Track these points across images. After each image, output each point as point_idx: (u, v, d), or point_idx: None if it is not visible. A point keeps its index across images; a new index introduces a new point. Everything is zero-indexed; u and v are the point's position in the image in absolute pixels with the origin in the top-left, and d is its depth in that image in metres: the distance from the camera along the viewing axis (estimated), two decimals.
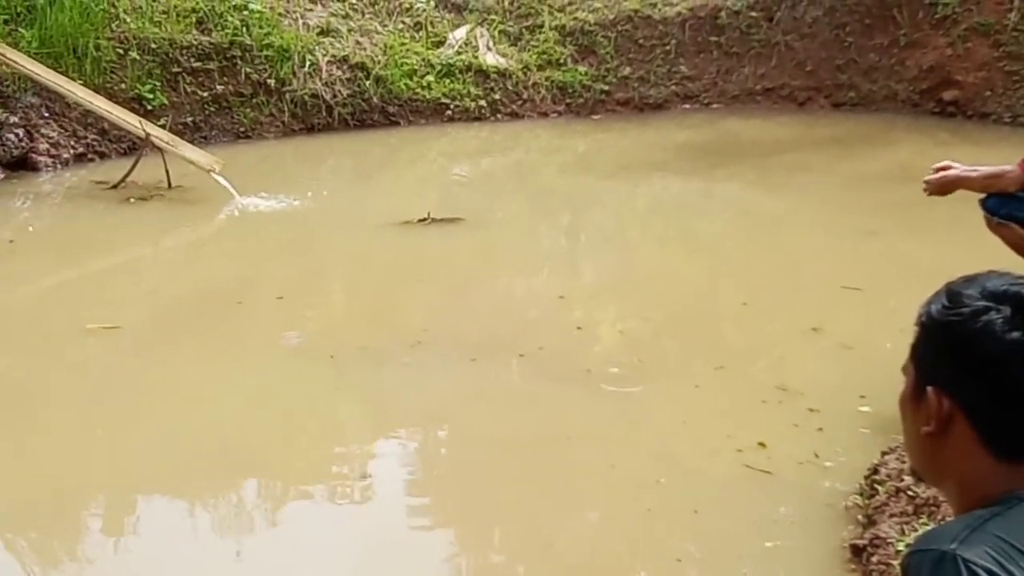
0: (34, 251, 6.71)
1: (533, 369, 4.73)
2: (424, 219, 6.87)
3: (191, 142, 8.35)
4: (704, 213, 7.76)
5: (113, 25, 9.13)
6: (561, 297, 5.82)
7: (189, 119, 9.15)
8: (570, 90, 10.45)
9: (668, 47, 10.71)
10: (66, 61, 8.64)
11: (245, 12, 9.64)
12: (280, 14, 9.91)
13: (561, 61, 10.58)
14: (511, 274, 6.37)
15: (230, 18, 9.57)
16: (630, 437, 4.19)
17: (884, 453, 3.62)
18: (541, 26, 10.75)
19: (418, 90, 9.99)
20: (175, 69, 9.24)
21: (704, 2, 10.84)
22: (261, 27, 9.63)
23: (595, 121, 10.27)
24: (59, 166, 8.31)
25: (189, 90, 9.25)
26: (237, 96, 9.41)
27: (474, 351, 4.86)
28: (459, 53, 10.35)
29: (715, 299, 5.83)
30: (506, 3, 10.93)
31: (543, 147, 9.83)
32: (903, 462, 3.36)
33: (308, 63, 9.62)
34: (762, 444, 3.94)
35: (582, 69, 10.55)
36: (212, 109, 9.31)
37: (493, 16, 10.79)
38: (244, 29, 9.56)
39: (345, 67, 9.83)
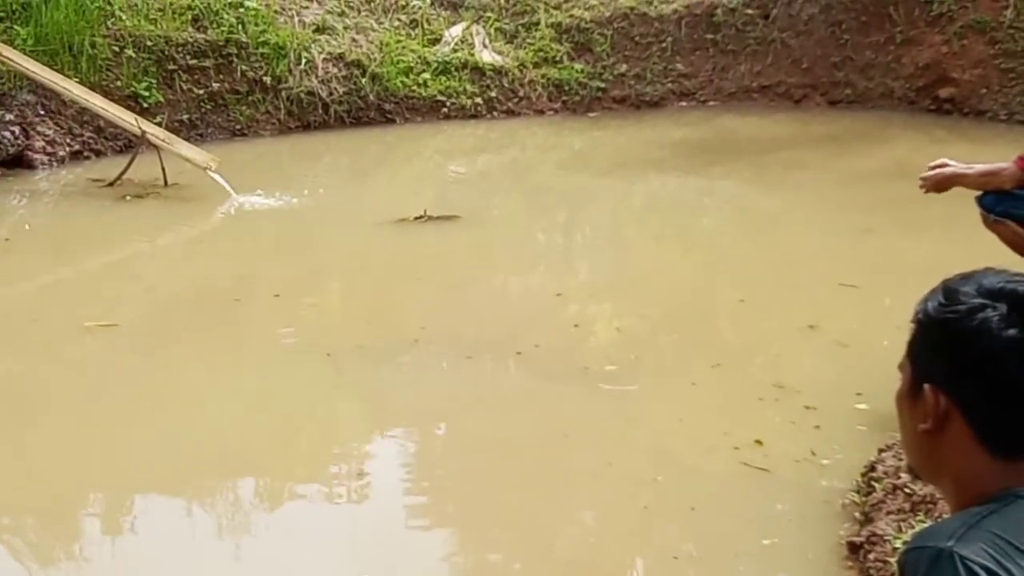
0: (30, 249, 6.71)
1: (530, 367, 4.73)
2: (421, 217, 6.87)
3: (187, 140, 8.34)
4: (700, 210, 7.76)
5: (109, 22, 9.12)
6: (558, 295, 5.83)
7: (185, 117, 9.13)
8: (566, 87, 10.45)
9: (664, 44, 10.71)
10: (62, 59, 8.63)
11: (241, 9, 9.63)
12: (276, 11, 9.89)
13: (557, 58, 10.57)
14: (508, 272, 6.37)
15: (226, 15, 9.56)
16: (627, 435, 4.19)
17: (881, 450, 3.63)
18: (537, 23, 10.74)
19: (414, 87, 9.98)
20: (171, 67, 9.22)
21: None
22: (257, 24, 9.62)
23: (591, 118, 10.26)
24: (55, 164, 8.30)
25: (185, 87, 9.24)
26: (233, 94, 9.40)
27: (471, 349, 4.86)
28: (455, 51, 10.34)
29: (712, 296, 5.83)
30: (502, 0, 10.92)
31: (539, 145, 9.83)
32: (900, 459, 3.36)
33: (304, 60, 9.61)
34: (759, 442, 3.94)
35: (578, 66, 10.54)
36: (208, 107, 9.30)
37: (489, 13, 10.78)
38: (240, 26, 9.55)
39: (341, 64, 9.82)
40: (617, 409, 4.37)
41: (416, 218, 6.86)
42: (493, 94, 10.24)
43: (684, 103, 10.61)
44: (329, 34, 10.00)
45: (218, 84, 9.35)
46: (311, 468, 4.05)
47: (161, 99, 9.05)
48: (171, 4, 9.42)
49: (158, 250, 6.91)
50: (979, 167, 4.13)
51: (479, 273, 6.34)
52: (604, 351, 5.00)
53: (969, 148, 8.04)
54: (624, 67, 10.63)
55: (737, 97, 10.64)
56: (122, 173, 7.66)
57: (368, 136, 9.55)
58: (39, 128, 8.37)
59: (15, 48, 8.24)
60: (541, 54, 10.56)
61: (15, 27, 8.70)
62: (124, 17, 9.20)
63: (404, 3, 10.64)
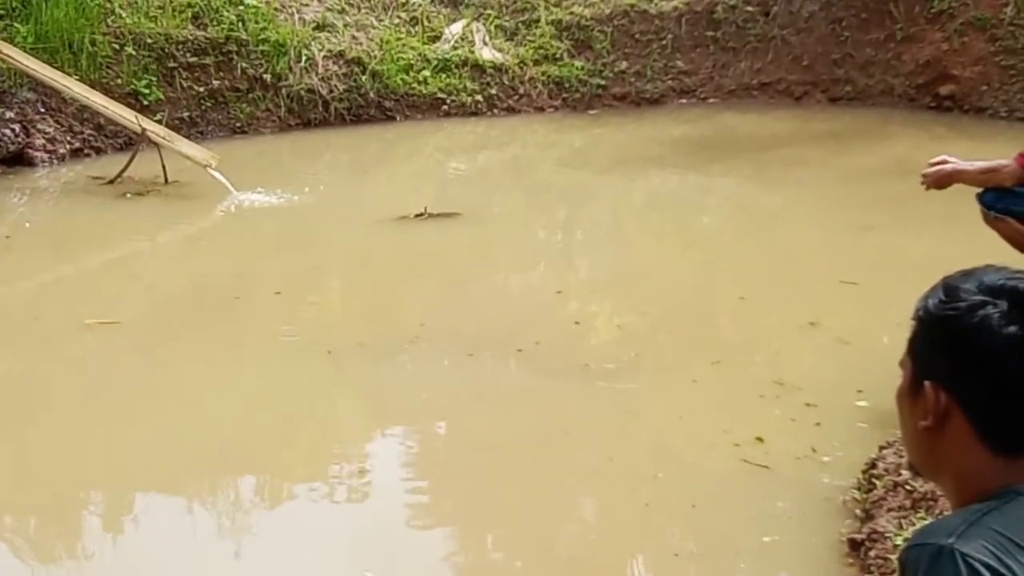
0: (31, 247, 6.71)
1: (531, 364, 4.73)
2: (421, 214, 6.87)
3: (187, 137, 8.34)
4: (701, 208, 7.76)
5: (109, 20, 9.12)
6: (558, 292, 5.83)
7: (185, 114, 9.13)
8: (566, 85, 10.44)
9: (664, 42, 10.70)
10: (62, 56, 8.62)
11: (241, 7, 9.62)
12: (276, 9, 9.89)
13: (557, 56, 10.57)
14: (508, 269, 6.37)
15: (226, 13, 9.55)
16: (627, 431, 4.19)
17: (882, 447, 3.63)
18: (537, 21, 10.73)
19: (414, 85, 9.98)
20: (171, 64, 9.22)
21: None
22: (257, 22, 9.61)
23: (591, 116, 10.26)
24: (55, 161, 8.29)
25: (185, 85, 9.23)
26: (233, 91, 9.39)
27: (472, 346, 4.86)
28: (455, 48, 10.34)
29: (712, 294, 5.83)
30: None
31: (539, 142, 9.82)
32: (901, 456, 3.36)
33: (304, 58, 9.61)
34: (759, 439, 3.94)
35: (578, 64, 10.54)
36: (208, 104, 9.29)
37: (489, 11, 10.77)
38: (240, 24, 9.54)
39: (341, 62, 9.82)
40: (618, 406, 4.37)
41: (416, 215, 6.86)
42: (493, 91, 10.23)
43: (684, 100, 10.61)
44: (329, 31, 10.00)
45: (218, 82, 9.35)
46: (311, 466, 4.05)
47: (161, 97, 9.05)
48: (171, 1, 9.42)
49: (158, 248, 6.91)
50: (980, 164, 4.13)
51: (480, 270, 6.34)
52: (605, 348, 5.00)
53: (969, 145, 8.03)
54: (624, 64, 10.62)
55: (737, 94, 10.63)
56: (122, 171, 7.66)
57: (368, 133, 9.54)
58: (39, 126, 8.37)
59: (15, 46, 8.23)
60: (541, 51, 10.56)
61: (15, 25, 8.69)
62: (124, 15, 9.19)
63: (404, 0, 10.64)
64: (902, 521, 3.12)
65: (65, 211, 7.54)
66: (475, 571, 3.47)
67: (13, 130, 8.15)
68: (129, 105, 8.45)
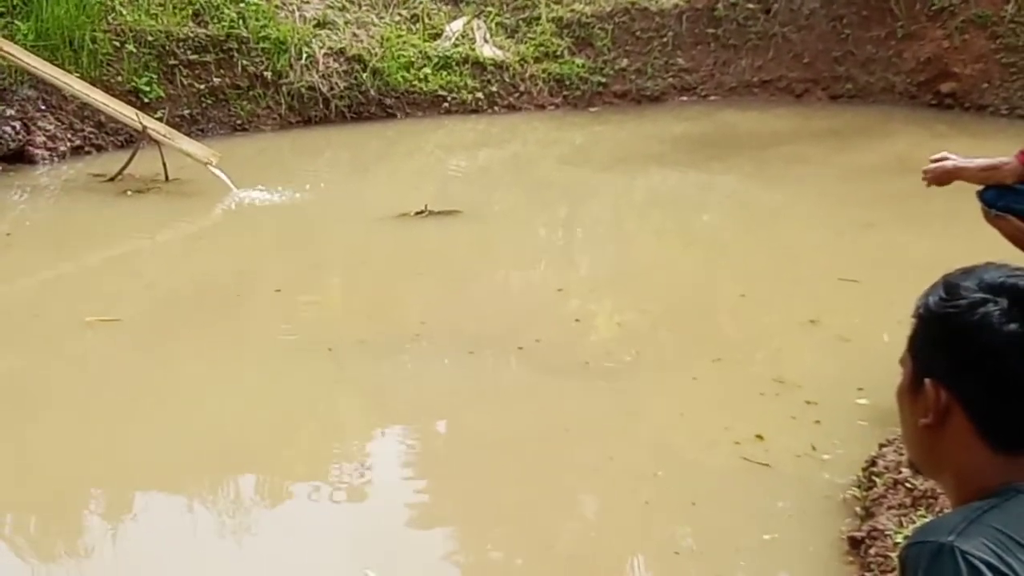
0: (31, 244, 6.71)
1: (531, 362, 4.73)
2: (421, 212, 6.86)
3: (188, 135, 8.34)
4: (701, 205, 7.75)
5: (109, 18, 9.11)
6: (559, 290, 5.83)
7: (186, 112, 9.13)
8: (567, 82, 10.44)
9: (665, 39, 10.70)
10: (62, 54, 8.62)
11: (241, 4, 9.62)
12: (276, 6, 9.88)
13: (558, 53, 10.56)
14: (509, 267, 6.37)
15: (226, 10, 9.55)
16: (628, 429, 4.19)
17: (882, 445, 3.63)
18: (538, 18, 10.73)
19: (415, 82, 9.97)
20: (171, 62, 9.22)
21: None
22: (257, 19, 9.61)
23: (592, 113, 10.26)
24: (56, 159, 8.29)
25: (186, 83, 9.23)
26: (234, 89, 9.39)
27: (472, 344, 4.86)
28: (456, 45, 10.33)
29: (713, 291, 5.83)
30: None
31: (540, 139, 9.82)
32: (901, 454, 3.36)
33: (305, 55, 9.61)
34: (760, 436, 3.94)
35: (579, 61, 10.53)
36: (209, 102, 9.29)
37: (490, 8, 10.77)
38: (240, 21, 9.54)
39: (342, 59, 9.81)
40: (618, 404, 4.37)
41: (417, 213, 6.86)
42: (494, 89, 10.23)
43: (685, 98, 10.60)
44: (330, 29, 9.99)
45: (219, 79, 9.34)
46: (312, 464, 4.05)
47: (162, 94, 9.05)
48: None
49: (159, 245, 6.91)
50: (980, 161, 4.12)
51: (480, 268, 6.34)
52: (605, 346, 5.00)
53: (970, 143, 8.02)
54: (625, 62, 10.62)
55: (738, 92, 10.63)
56: (123, 168, 7.66)
57: (369, 131, 9.54)
58: (40, 123, 8.37)
59: (16, 43, 8.23)
60: (542, 49, 10.55)
61: (16, 22, 8.69)
62: (125, 12, 9.19)
63: None
64: (902, 519, 3.12)
65: (66, 209, 7.54)
66: (475, 569, 3.47)
67: (14, 127, 8.15)
68: (130, 102, 8.45)
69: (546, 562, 3.42)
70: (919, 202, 5.97)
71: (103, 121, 8.49)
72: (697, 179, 8.27)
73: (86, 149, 8.51)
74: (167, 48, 9.21)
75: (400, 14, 10.51)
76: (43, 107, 8.46)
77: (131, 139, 8.16)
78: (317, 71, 9.61)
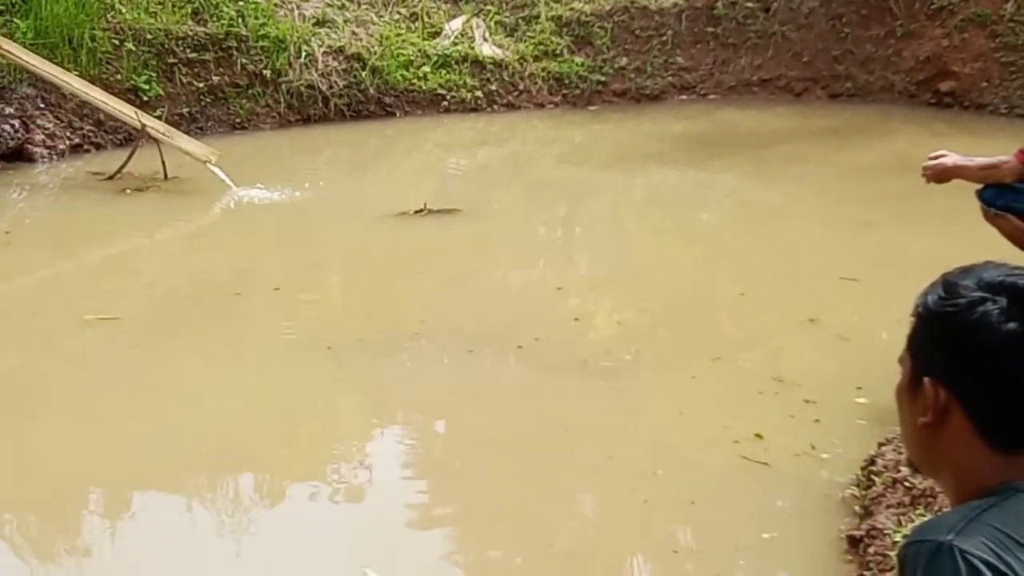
0: (30, 242, 6.70)
1: (530, 360, 4.73)
2: (421, 210, 6.86)
3: (187, 133, 8.33)
4: (701, 204, 7.75)
5: (108, 16, 9.11)
6: (558, 288, 5.83)
7: (185, 110, 9.13)
8: (566, 81, 10.43)
9: (664, 38, 10.69)
10: (61, 52, 8.62)
11: (240, 3, 9.62)
12: (276, 4, 9.88)
13: (557, 52, 10.56)
14: (508, 265, 6.37)
15: (225, 8, 9.55)
16: (627, 428, 4.19)
17: (881, 444, 3.63)
18: (537, 17, 10.72)
19: (414, 81, 9.97)
20: (171, 60, 9.21)
21: None
22: (257, 18, 9.60)
23: (591, 112, 10.26)
24: (55, 157, 8.29)
25: (185, 81, 9.23)
26: (233, 87, 9.39)
27: (471, 342, 4.86)
28: (455, 44, 10.33)
29: (712, 290, 5.83)
30: None
31: (539, 138, 9.82)
32: (900, 453, 3.36)
33: (304, 54, 9.60)
34: (759, 435, 3.94)
35: (578, 60, 10.53)
36: (208, 100, 9.29)
37: (489, 6, 10.76)
38: (240, 20, 9.53)
39: (341, 58, 9.81)
40: (617, 402, 4.37)
41: (416, 211, 6.86)
42: (493, 87, 10.23)
43: (684, 96, 10.60)
44: (329, 27, 9.99)
45: (218, 77, 9.34)
46: (311, 462, 4.05)
47: (161, 92, 9.04)
48: None
49: (158, 244, 6.91)
50: (979, 160, 4.12)
51: (479, 267, 6.34)
52: (604, 344, 5.00)
53: (969, 142, 8.01)
54: (624, 60, 10.61)
55: (737, 91, 10.63)
56: (122, 167, 7.66)
57: (368, 129, 9.54)
58: (39, 121, 8.36)
59: (15, 41, 8.23)
60: (541, 47, 10.55)
61: (15, 20, 8.69)
62: (124, 10, 9.18)
63: None
64: (901, 518, 3.12)
65: (65, 207, 7.54)
66: (475, 568, 3.47)
67: (13, 126, 8.15)
68: (129, 101, 8.44)
69: (545, 561, 3.42)
70: (918, 201, 5.98)
71: (102, 119, 8.48)
72: (696, 178, 8.27)
73: (85, 147, 8.50)
74: (166, 46, 9.20)
75: (399, 12, 10.51)
76: (42, 105, 8.45)
77: (130, 137, 8.16)
78: (316, 69, 9.60)
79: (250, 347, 5.00)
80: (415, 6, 10.57)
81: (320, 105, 9.56)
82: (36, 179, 7.96)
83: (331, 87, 9.60)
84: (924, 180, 4.22)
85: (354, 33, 10.05)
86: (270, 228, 7.00)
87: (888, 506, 3.23)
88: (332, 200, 7.69)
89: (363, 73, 9.76)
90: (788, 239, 6.66)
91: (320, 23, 9.98)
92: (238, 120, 9.33)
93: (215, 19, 9.49)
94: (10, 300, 5.68)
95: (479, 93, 10.12)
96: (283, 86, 9.47)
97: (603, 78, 10.51)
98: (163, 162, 7.57)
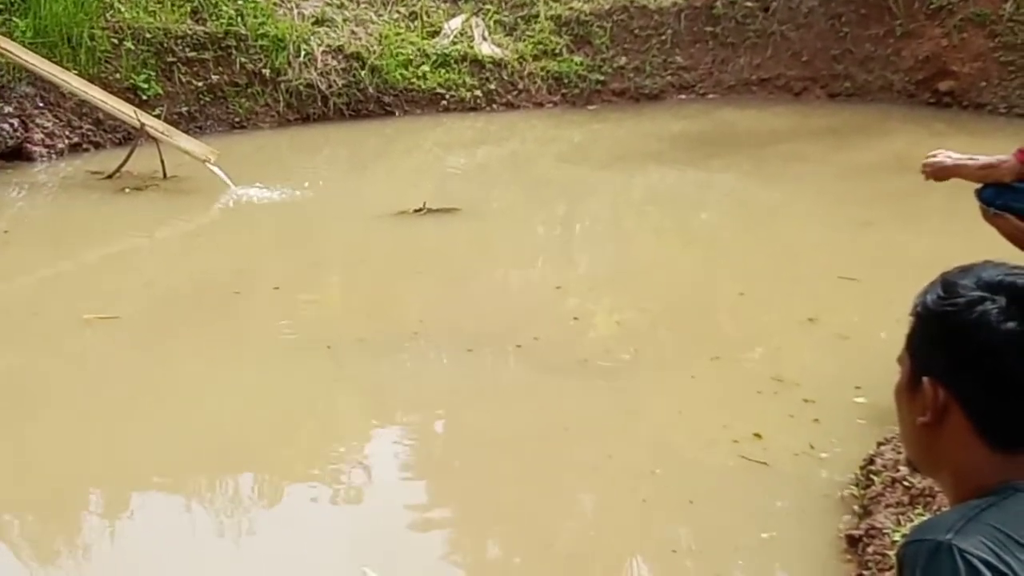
0: (29, 242, 6.70)
1: (530, 360, 4.73)
2: (420, 209, 6.86)
3: (186, 132, 8.33)
4: (700, 203, 7.75)
5: (108, 15, 9.11)
6: (557, 288, 5.83)
7: (184, 109, 9.13)
8: (566, 80, 10.44)
9: (664, 37, 10.70)
10: (60, 51, 8.62)
11: (240, 1, 9.62)
12: (275, 3, 9.88)
13: (556, 51, 10.56)
14: (507, 265, 6.36)
15: (225, 7, 9.55)
16: (626, 428, 4.19)
17: (880, 444, 3.63)
18: (536, 16, 10.73)
19: (413, 80, 9.97)
20: (170, 59, 9.21)
21: None
22: (256, 16, 9.61)
23: (591, 111, 10.26)
24: (54, 156, 8.29)
25: (184, 80, 9.23)
26: (232, 86, 9.39)
27: (471, 342, 4.86)
28: (454, 43, 10.33)
29: (711, 290, 5.83)
30: None
31: (539, 137, 9.82)
32: (899, 452, 3.36)
33: (303, 53, 9.60)
34: (758, 435, 3.94)
35: (577, 59, 10.53)
36: (207, 99, 9.29)
37: (488, 6, 10.77)
38: (239, 19, 9.54)
39: (340, 57, 9.81)
40: (617, 402, 4.37)
41: (416, 211, 6.86)
42: (492, 87, 10.23)
43: (683, 96, 10.61)
44: (328, 26, 9.99)
45: (217, 76, 9.34)
46: (311, 462, 4.05)
47: (160, 91, 9.04)
48: None
49: (157, 243, 6.90)
50: (979, 160, 4.13)
51: (479, 266, 6.34)
52: (604, 344, 5.00)
53: (968, 141, 8.02)
54: (623, 60, 10.62)
55: (736, 90, 10.63)
56: (121, 166, 7.66)
57: (367, 129, 9.54)
58: (38, 120, 8.36)
59: (14, 40, 8.22)
60: (540, 47, 10.55)
61: (14, 19, 8.69)
62: (123, 9, 9.19)
63: None
64: (900, 517, 3.12)
65: (64, 206, 7.53)
66: (474, 567, 3.47)
67: (12, 124, 8.15)
68: (128, 100, 8.44)
69: (545, 560, 3.42)
70: (917, 200, 5.99)
71: (101, 118, 8.48)
72: (696, 177, 8.27)
73: (84, 146, 8.50)
74: (165, 45, 9.21)
75: (399, 12, 10.51)
76: (41, 104, 8.45)
77: (129, 136, 8.16)
78: (315, 68, 9.61)
79: (250, 347, 4.99)
80: (414, 5, 10.57)
81: (319, 104, 9.56)
82: (35, 178, 7.96)
83: (330, 86, 9.60)
84: (923, 177, 4.22)
85: (353, 32, 10.05)
86: (269, 227, 7.00)
87: (887, 505, 3.23)
88: (331, 199, 7.69)
89: (362, 72, 9.77)
90: (787, 239, 6.66)
91: (319, 22, 9.98)
92: (237, 119, 9.33)
93: (214, 18, 9.49)
94: (10, 300, 5.67)
95: (478, 92, 10.13)
96: (282, 85, 9.47)
97: (602, 77, 10.51)
98: (162, 161, 7.57)
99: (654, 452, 3.98)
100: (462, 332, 4.99)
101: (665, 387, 4.53)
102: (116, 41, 9.00)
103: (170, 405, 4.39)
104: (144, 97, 8.88)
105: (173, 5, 9.40)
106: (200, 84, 9.26)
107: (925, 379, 1.46)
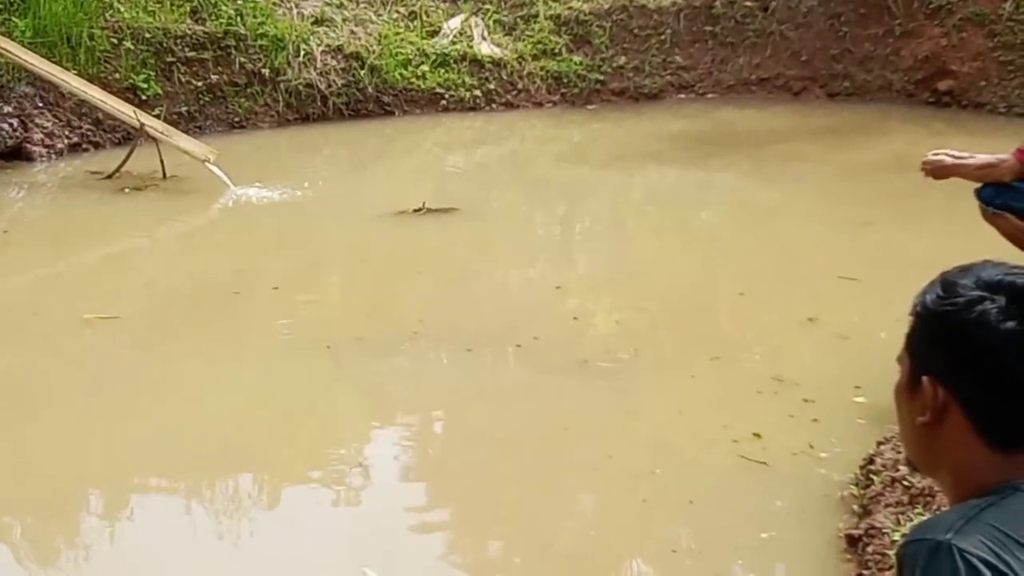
0: (29, 242, 6.70)
1: (529, 360, 4.73)
2: (420, 209, 6.86)
3: (185, 132, 8.33)
4: (700, 203, 7.75)
5: (107, 14, 9.10)
6: (557, 287, 5.83)
7: (183, 109, 9.13)
8: (565, 80, 10.44)
9: (663, 36, 10.70)
10: (60, 51, 8.62)
11: (239, 1, 9.62)
12: (274, 3, 9.88)
13: (556, 51, 10.56)
14: (507, 264, 6.37)
15: (224, 7, 9.55)
16: (626, 427, 4.19)
17: (879, 443, 3.63)
18: (536, 16, 10.72)
19: (413, 80, 9.97)
20: (169, 59, 9.21)
21: None
22: (255, 16, 9.60)
23: (590, 111, 10.26)
24: (53, 156, 8.29)
25: (183, 80, 9.23)
26: (231, 86, 9.39)
27: (470, 342, 4.86)
28: (454, 43, 10.33)
29: (711, 289, 5.83)
30: None
31: (538, 137, 9.82)
32: (898, 452, 3.37)
33: (303, 53, 9.60)
34: (757, 435, 3.94)
35: (577, 59, 10.53)
36: (206, 99, 9.29)
37: (487, 5, 10.77)
38: (238, 18, 9.53)
39: (340, 57, 9.81)
40: (617, 402, 4.37)
41: (415, 211, 6.86)
42: (492, 86, 10.23)
43: (683, 95, 10.60)
44: (328, 26, 9.99)
45: (216, 76, 9.34)
46: (310, 461, 4.05)
47: (159, 91, 9.04)
48: None
49: (157, 243, 6.90)
50: (978, 159, 4.12)
51: (478, 266, 6.34)
52: (603, 344, 5.00)
53: (968, 141, 8.00)
54: (623, 59, 10.62)
55: (736, 89, 10.63)
56: (121, 165, 7.66)
57: (367, 128, 9.54)
58: (37, 120, 8.36)
59: (13, 40, 8.22)
60: (540, 46, 10.55)
61: (13, 19, 8.68)
62: (122, 9, 9.18)
63: None
64: (900, 517, 3.12)
65: (63, 206, 7.53)
66: (474, 567, 3.47)
67: (11, 124, 8.15)
68: (127, 99, 8.44)
69: (545, 560, 3.42)
70: (917, 200, 6.00)
71: (100, 118, 8.48)
72: (695, 177, 8.27)
73: (83, 146, 8.50)
74: (165, 45, 9.21)
75: (398, 11, 10.51)
76: (40, 104, 8.45)
77: (129, 136, 8.16)
78: (315, 68, 9.60)
79: (250, 347, 5.00)
80: (414, 5, 10.57)
81: (319, 104, 9.56)
82: (34, 178, 7.96)
83: (330, 86, 9.60)
84: (923, 174, 4.23)
85: (353, 32, 10.05)
86: (269, 227, 7.00)
87: (887, 505, 3.23)
88: (331, 199, 7.69)
89: (362, 72, 9.77)
90: (787, 238, 6.66)
91: (319, 22, 9.98)
92: (237, 119, 9.33)
93: (214, 18, 9.49)
94: (9, 300, 5.67)
95: (478, 92, 10.13)
96: (282, 85, 9.47)
97: (601, 77, 10.51)
98: (162, 161, 7.57)
99: (654, 452, 3.99)
100: (462, 332, 4.99)
101: (665, 387, 4.53)
102: (115, 41, 9.00)
103: (170, 405, 4.39)
104: (143, 97, 8.88)
105: (173, 5, 9.40)
106: (199, 84, 9.26)
107: (925, 379, 1.47)
